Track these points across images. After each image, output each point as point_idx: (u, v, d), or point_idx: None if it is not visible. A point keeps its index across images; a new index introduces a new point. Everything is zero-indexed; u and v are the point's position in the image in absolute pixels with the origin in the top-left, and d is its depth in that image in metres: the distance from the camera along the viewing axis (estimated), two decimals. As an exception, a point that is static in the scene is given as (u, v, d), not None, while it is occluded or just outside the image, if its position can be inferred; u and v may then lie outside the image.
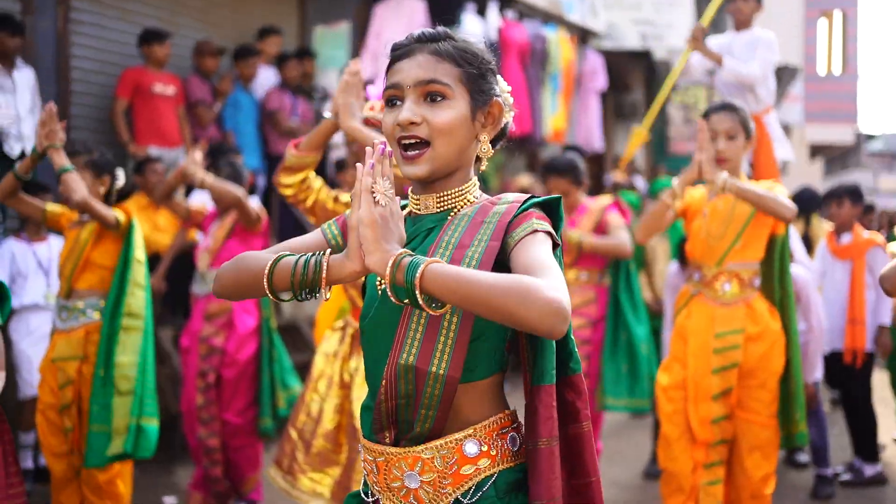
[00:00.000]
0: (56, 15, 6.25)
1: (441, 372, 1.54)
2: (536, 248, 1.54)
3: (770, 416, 3.62)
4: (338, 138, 6.89)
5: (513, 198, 1.66)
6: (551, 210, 1.67)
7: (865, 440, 5.42)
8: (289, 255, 1.61)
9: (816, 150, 22.67)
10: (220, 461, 4.49)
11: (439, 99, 1.63)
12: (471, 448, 1.60)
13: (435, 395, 1.55)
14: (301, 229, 7.25)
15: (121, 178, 3.77)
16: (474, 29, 8.56)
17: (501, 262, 1.58)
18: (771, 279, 3.68)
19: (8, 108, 5.43)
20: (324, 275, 1.54)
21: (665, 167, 13.05)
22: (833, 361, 5.35)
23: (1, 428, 2.76)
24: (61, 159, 3.47)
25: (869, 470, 5.39)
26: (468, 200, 1.68)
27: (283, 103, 7.24)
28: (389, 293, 1.50)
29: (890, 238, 8.25)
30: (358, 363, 3.08)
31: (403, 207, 1.74)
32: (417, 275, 1.44)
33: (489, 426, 1.62)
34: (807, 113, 19.22)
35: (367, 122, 2.85)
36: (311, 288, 1.56)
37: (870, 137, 31.86)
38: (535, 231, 1.57)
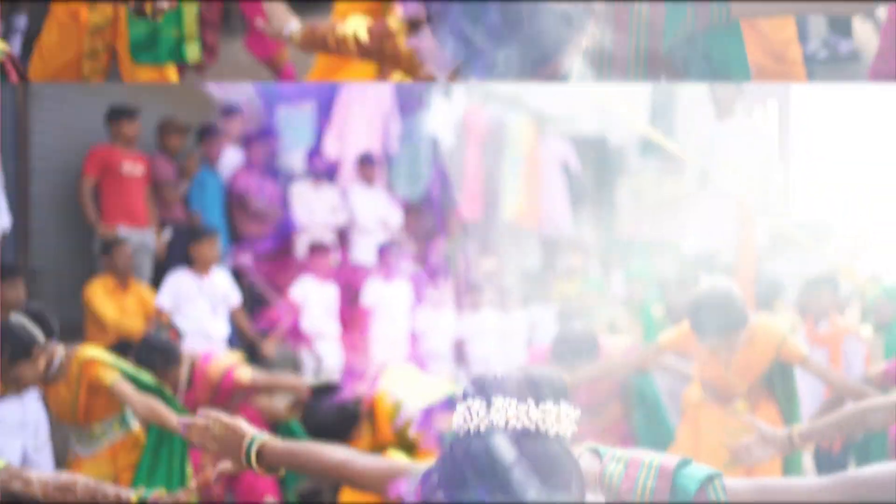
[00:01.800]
0: (16, 87, 6.03)
1: None
2: None
3: None
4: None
5: None
6: None
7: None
8: None
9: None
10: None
11: None
12: None
13: None
14: (264, 303, 6.96)
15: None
16: (441, 112, 8.54)
17: None
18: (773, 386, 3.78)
19: (-31, 185, 5.17)
20: None
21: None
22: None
23: None
24: None
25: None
26: None
27: (249, 185, 7.08)
28: None
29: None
30: None
31: None
32: None
33: None
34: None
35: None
36: None
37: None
38: None
